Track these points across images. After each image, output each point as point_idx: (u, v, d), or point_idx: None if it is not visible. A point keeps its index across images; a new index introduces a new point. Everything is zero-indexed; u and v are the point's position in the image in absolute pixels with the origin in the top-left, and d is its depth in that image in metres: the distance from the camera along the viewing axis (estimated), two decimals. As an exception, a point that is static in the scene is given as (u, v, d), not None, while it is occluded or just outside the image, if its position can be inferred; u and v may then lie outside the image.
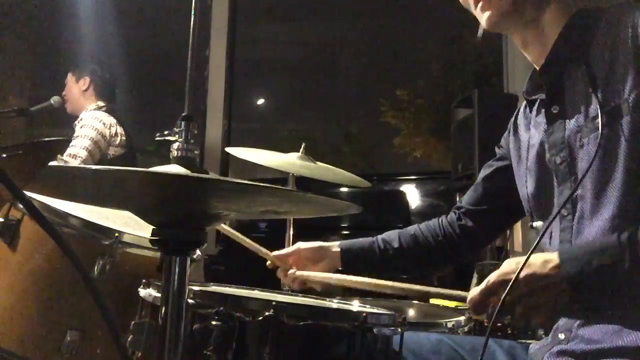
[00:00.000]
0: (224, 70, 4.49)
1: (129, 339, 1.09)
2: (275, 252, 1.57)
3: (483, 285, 1.04)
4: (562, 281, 0.98)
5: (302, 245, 1.58)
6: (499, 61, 4.23)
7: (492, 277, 1.04)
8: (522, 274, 0.99)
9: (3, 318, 1.44)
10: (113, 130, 3.15)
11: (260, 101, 9.53)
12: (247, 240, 1.57)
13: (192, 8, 0.94)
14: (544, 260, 1.00)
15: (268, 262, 1.58)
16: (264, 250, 1.56)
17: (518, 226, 2.83)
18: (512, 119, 1.39)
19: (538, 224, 1.23)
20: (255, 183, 0.71)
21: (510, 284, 0.97)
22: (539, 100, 1.23)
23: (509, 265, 1.03)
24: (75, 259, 0.64)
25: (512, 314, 1.01)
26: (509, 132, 1.39)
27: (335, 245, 1.57)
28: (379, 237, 1.56)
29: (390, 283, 1.23)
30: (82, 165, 2.20)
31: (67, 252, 0.64)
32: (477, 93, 3.17)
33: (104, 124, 3.13)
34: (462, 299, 1.11)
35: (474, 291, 1.06)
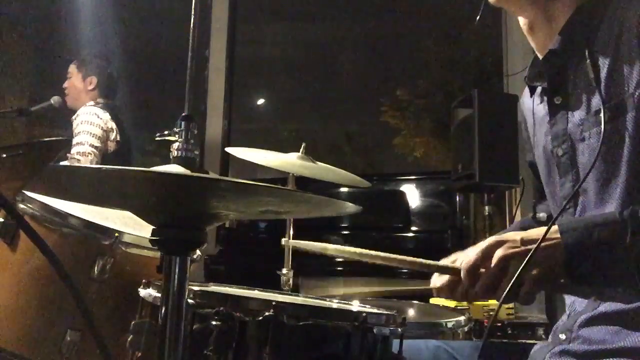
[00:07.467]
0: (224, 70, 4.49)
1: (129, 339, 1.09)
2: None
3: (478, 247, 1.02)
4: (559, 250, 0.96)
5: None
6: (499, 61, 4.22)
7: (490, 240, 1.02)
8: (519, 237, 0.99)
9: (3, 318, 1.44)
10: (109, 125, 3.24)
11: (260, 101, 9.53)
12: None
13: (192, 8, 0.93)
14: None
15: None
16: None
17: (518, 218, 2.82)
18: (520, 110, 1.37)
19: (541, 215, 1.22)
20: (254, 183, 0.71)
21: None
22: (540, 88, 1.22)
23: (508, 234, 1.02)
24: (58, 262, 0.63)
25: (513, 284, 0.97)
26: (525, 125, 1.36)
27: None
28: None
29: (382, 254, 1.13)
30: (82, 165, 2.22)
31: (49, 255, 0.63)
32: (477, 93, 3.16)
33: (101, 118, 3.21)
34: (457, 272, 1.06)
35: (469, 254, 1.03)
